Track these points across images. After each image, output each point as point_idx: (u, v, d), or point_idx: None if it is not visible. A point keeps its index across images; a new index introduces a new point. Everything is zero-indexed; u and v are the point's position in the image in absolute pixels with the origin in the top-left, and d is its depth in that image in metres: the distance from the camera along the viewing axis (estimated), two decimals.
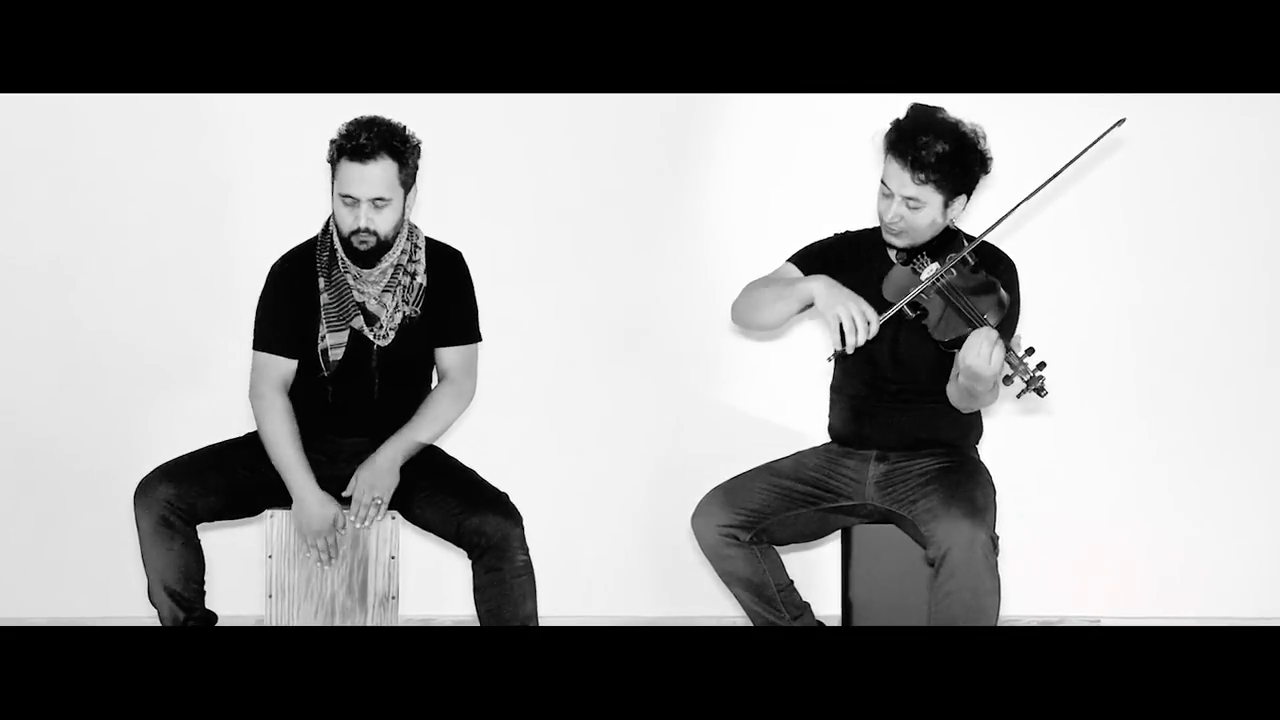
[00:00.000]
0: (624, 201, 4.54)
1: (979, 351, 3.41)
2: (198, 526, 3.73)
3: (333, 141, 3.70)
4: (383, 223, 3.69)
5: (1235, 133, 4.52)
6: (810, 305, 3.62)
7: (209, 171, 4.46)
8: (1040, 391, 3.40)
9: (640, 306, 4.56)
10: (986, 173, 3.63)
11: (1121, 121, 3.60)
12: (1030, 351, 3.43)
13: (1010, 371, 3.42)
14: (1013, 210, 3.60)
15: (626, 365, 4.57)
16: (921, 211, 3.60)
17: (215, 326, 4.45)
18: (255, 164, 4.46)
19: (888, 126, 3.61)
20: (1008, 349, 3.42)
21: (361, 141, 3.64)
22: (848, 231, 3.84)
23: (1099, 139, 3.59)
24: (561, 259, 4.54)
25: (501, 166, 4.52)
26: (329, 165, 3.72)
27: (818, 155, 4.44)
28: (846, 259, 3.74)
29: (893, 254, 3.69)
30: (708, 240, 4.55)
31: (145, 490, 3.69)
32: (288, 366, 3.80)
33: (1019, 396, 3.45)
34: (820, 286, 3.58)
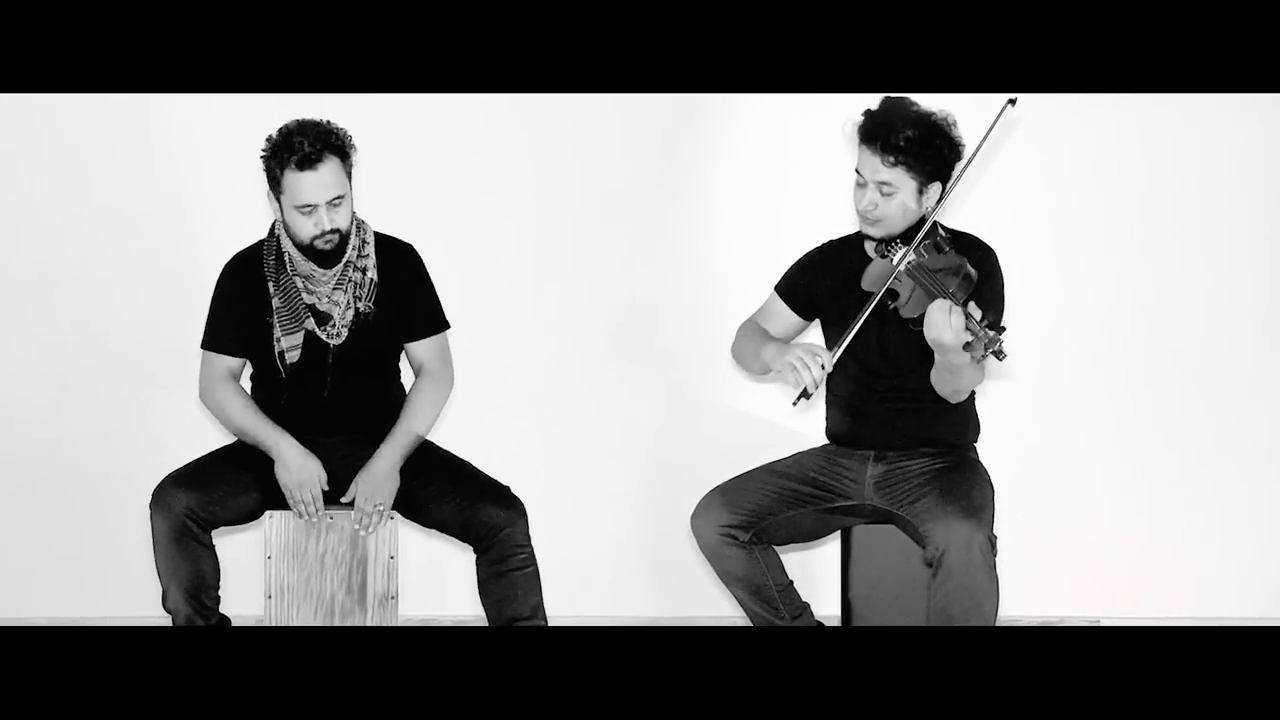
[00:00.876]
0: (624, 201, 4.53)
1: (938, 321, 3.42)
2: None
3: (267, 156, 3.70)
4: (342, 219, 3.71)
5: (1235, 133, 4.52)
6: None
7: (209, 170, 4.46)
8: (999, 355, 3.39)
9: (640, 306, 4.55)
10: (959, 159, 3.64)
11: (1013, 101, 3.63)
12: (987, 319, 3.45)
13: (970, 338, 3.42)
14: (945, 196, 3.63)
15: (626, 365, 4.56)
16: (895, 198, 3.62)
17: None
18: (254, 163, 4.45)
19: (860, 117, 3.64)
20: (967, 315, 3.42)
21: (306, 150, 3.64)
22: (833, 239, 3.86)
23: (994, 125, 3.61)
24: (561, 258, 4.54)
25: (501, 166, 4.51)
26: (269, 178, 3.71)
27: (818, 156, 4.43)
28: (830, 263, 3.77)
29: (870, 247, 3.70)
30: (707, 240, 4.55)
31: (162, 499, 3.66)
32: (235, 363, 3.84)
33: (979, 360, 3.44)
34: (770, 353, 3.70)
